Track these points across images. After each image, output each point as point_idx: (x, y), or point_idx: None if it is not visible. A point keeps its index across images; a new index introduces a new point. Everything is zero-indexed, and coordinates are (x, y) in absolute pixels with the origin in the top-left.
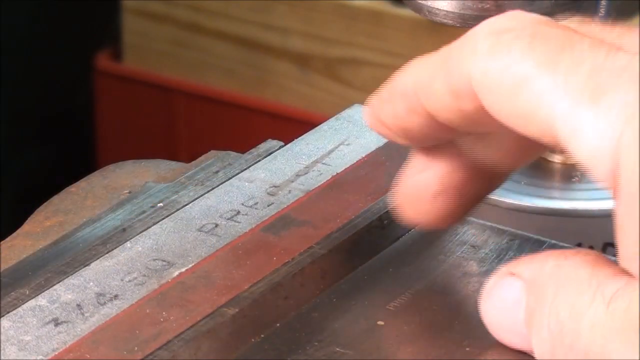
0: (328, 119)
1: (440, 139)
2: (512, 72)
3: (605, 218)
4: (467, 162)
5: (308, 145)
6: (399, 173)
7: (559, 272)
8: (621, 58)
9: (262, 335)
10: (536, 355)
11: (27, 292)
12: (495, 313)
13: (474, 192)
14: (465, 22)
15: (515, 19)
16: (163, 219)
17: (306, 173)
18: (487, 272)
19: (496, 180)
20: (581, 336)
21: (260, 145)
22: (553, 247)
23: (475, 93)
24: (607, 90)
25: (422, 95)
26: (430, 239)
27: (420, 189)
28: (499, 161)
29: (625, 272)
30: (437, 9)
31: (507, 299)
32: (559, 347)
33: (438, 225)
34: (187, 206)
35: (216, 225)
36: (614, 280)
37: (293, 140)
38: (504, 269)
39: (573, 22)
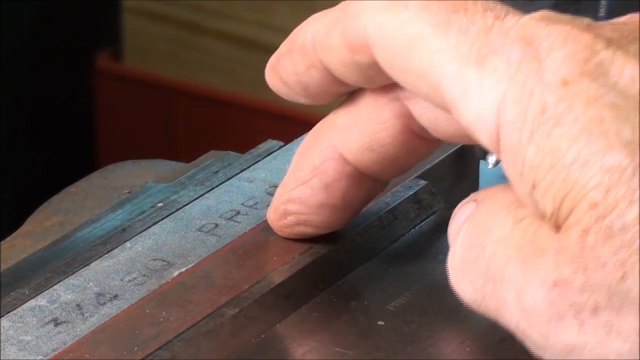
0: None
1: (337, 94)
2: (406, 29)
3: None
4: (350, 171)
5: None
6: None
7: (494, 194)
8: (509, 20)
9: (262, 335)
10: (449, 271)
11: (27, 292)
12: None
13: (358, 200)
14: None
15: None
16: (163, 219)
17: None
18: None
19: (379, 186)
20: (485, 250)
21: (260, 145)
22: None
23: (370, 47)
24: (492, 52)
25: (320, 48)
26: (431, 239)
27: (303, 200)
28: (383, 170)
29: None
30: None
31: (460, 221)
32: (465, 262)
33: (326, 230)
34: (187, 206)
35: (216, 225)
36: (529, 208)
37: (293, 140)
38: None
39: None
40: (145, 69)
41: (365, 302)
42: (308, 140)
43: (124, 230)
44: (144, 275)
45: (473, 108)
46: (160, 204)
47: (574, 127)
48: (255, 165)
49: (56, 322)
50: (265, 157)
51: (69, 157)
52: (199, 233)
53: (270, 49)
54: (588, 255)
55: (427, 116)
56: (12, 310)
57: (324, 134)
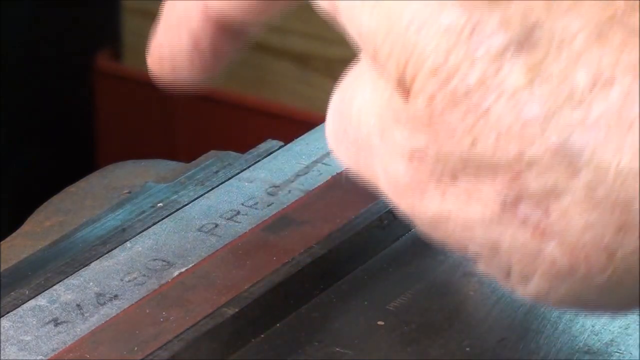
0: None
1: (232, 46)
2: None
3: None
4: (215, 18)
5: (308, 145)
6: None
7: (360, 60)
8: None
9: (262, 335)
10: (327, 141)
11: (27, 292)
12: None
13: (225, 46)
14: None
15: None
16: (163, 219)
17: (306, 173)
18: None
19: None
20: (351, 119)
21: (260, 145)
22: None
23: None
24: None
25: None
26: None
27: (174, 47)
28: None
29: None
30: None
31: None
32: (338, 132)
33: (193, 80)
34: (187, 206)
35: (216, 225)
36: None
37: (293, 140)
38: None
39: None
40: (145, 69)
41: (365, 302)
42: None
43: (124, 230)
44: (144, 275)
45: None
46: (160, 204)
47: None
48: (255, 165)
49: (56, 322)
50: (265, 157)
51: (69, 157)
52: (199, 233)
53: (270, 49)
54: (437, 122)
55: None
56: (12, 310)
57: None
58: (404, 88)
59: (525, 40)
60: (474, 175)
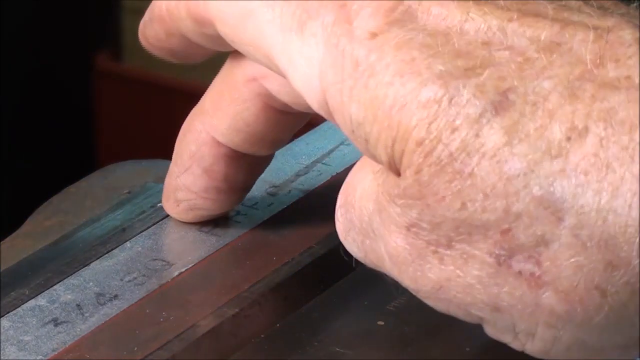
0: None
1: (205, 55)
2: (239, 3)
3: None
4: (226, 152)
5: (308, 145)
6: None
7: None
8: None
9: (262, 335)
10: (338, 234)
11: (27, 292)
12: None
13: (241, 178)
14: None
15: None
16: (163, 219)
17: (306, 173)
18: None
19: (261, 161)
20: (355, 208)
21: None
22: None
23: (212, 21)
24: (310, 18)
25: (172, 19)
26: None
27: (188, 186)
28: (255, 147)
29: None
30: None
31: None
32: (345, 222)
33: (220, 211)
34: None
35: (216, 225)
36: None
37: (293, 140)
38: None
39: None
40: (145, 69)
41: (365, 302)
42: (184, 127)
43: (124, 230)
44: (144, 275)
45: (299, 76)
46: (160, 204)
47: (387, 73)
48: None
49: (56, 322)
50: None
51: (69, 157)
52: (199, 233)
53: None
54: (427, 192)
55: (285, 92)
56: (12, 310)
57: (195, 120)
58: (395, 167)
59: (499, 104)
60: (467, 238)
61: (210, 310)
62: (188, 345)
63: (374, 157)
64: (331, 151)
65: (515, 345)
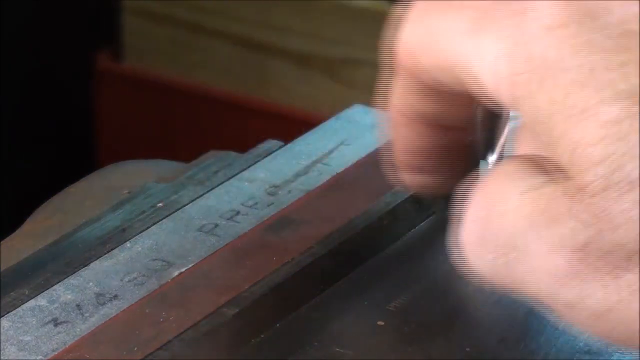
0: (328, 119)
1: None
2: (420, 30)
3: None
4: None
5: (308, 145)
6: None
7: (498, 167)
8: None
9: (262, 335)
10: (463, 247)
11: (27, 292)
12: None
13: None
14: None
15: None
16: (163, 219)
17: (306, 173)
18: None
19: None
20: (497, 222)
21: (260, 145)
22: None
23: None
24: (486, 15)
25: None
26: (431, 239)
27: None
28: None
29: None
30: None
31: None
32: (479, 236)
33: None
34: (187, 206)
35: (216, 225)
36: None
37: (293, 140)
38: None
39: None
40: (145, 69)
41: (365, 302)
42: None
43: (124, 230)
44: (144, 275)
45: (478, 70)
46: (160, 204)
47: (565, 78)
48: (255, 165)
49: (56, 322)
50: (265, 157)
51: (69, 157)
52: (199, 233)
53: (271, 49)
54: (601, 218)
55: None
56: (12, 310)
57: None
58: (571, 185)
59: None
60: (638, 269)
61: (210, 310)
62: (188, 345)
63: (547, 170)
64: (331, 151)
65: None
